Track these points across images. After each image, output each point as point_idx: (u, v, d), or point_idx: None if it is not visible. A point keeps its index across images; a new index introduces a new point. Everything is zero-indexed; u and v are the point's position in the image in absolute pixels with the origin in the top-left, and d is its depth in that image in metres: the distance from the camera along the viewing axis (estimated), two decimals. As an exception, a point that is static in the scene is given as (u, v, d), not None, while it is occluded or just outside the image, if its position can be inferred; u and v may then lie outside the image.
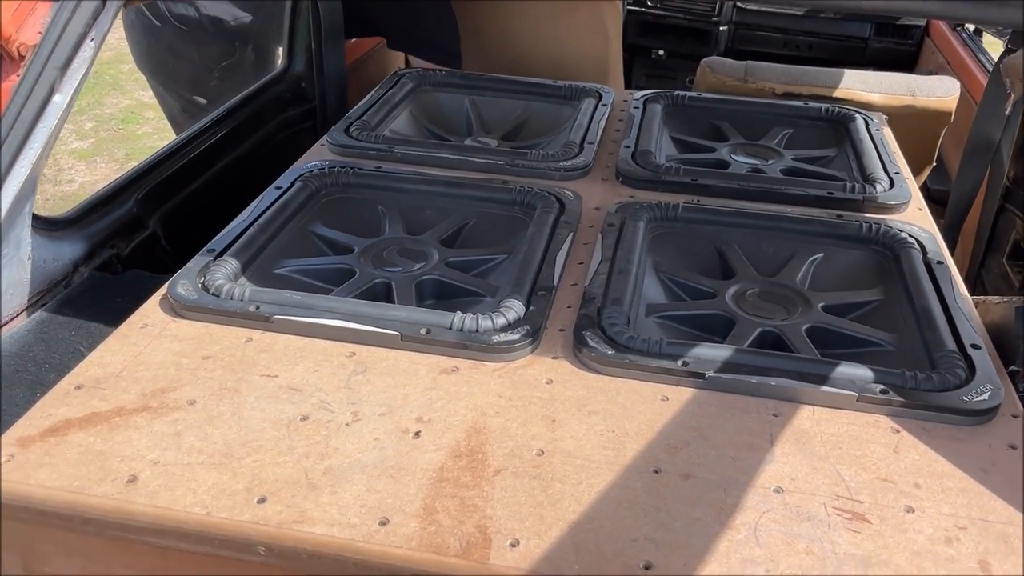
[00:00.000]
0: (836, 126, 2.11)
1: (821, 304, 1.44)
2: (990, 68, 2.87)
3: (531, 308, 1.33)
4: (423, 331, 1.27)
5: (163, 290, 1.36)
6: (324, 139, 1.93)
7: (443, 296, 1.49)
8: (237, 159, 2.25)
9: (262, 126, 2.38)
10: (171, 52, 3.33)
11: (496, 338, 1.26)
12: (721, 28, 3.67)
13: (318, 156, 1.86)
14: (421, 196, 1.71)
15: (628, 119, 2.10)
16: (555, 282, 1.41)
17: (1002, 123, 2.15)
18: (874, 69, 3.64)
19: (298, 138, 2.53)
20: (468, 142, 2.10)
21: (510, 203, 1.68)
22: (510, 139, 2.18)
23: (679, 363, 1.22)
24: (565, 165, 1.81)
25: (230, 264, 1.41)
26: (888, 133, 2.04)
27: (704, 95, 2.20)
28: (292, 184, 1.69)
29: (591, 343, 1.25)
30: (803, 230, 1.60)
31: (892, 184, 1.75)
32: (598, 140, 1.94)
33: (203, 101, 3.31)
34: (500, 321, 1.29)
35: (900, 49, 3.58)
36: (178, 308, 1.32)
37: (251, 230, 1.51)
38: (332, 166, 1.76)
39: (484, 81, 2.27)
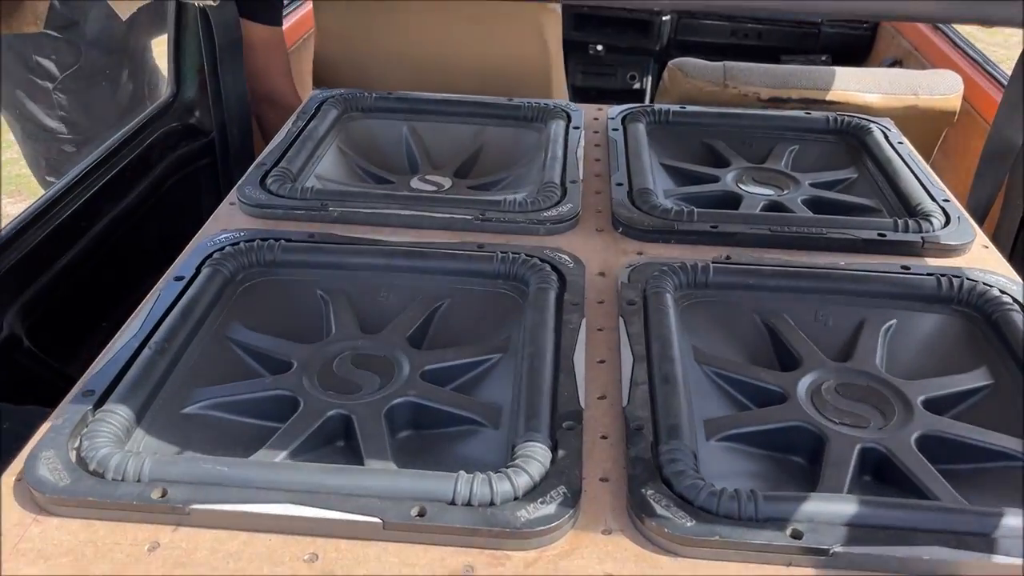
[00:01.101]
0: (847, 139, 1.80)
1: (921, 398, 1.11)
2: (973, 55, 2.63)
3: (560, 453, 0.95)
4: (414, 512, 0.87)
5: (16, 469, 0.93)
6: (234, 196, 1.49)
7: (423, 425, 1.09)
8: (119, 218, 1.79)
9: (148, 171, 1.91)
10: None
11: (523, 514, 0.87)
12: (664, 19, 3.33)
13: (227, 222, 1.43)
14: (374, 273, 1.30)
15: (608, 144, 1.73)
16: (582, 403, 1.03)
17: (1026, 124, 1.87)
18: (828, 57, 3.39)
19: (194, 181, 2.07)
20: (416, 183, 1.70)
21: (492, 276, 1.29)
22: (463, 175, 1.79)
23: (788, 532, 0.86)
24: (550, 216, 1.43)
25: (117, 415, 0.98)
26: (911, 146, 1.73)
27: (691, 109, 1.85)
28: (197, 271, 1.26)
29: (659, 510, 0.88)
30: (865, 290, 1.27)
31: (947, 218, 1.44)
32: (580, 177, 1.57)
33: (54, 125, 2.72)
34: (522, 481, 0.90)
35: (855, 35, 3.32)
36: (42, 501, 0.89)
37: (144, 352, 1.08)
38: (249, 238, 1.34)
39: (424, 103, 1.87)
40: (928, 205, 1.46)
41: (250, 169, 1.57)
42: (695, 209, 1.43)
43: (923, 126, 2.07)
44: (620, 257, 1.37)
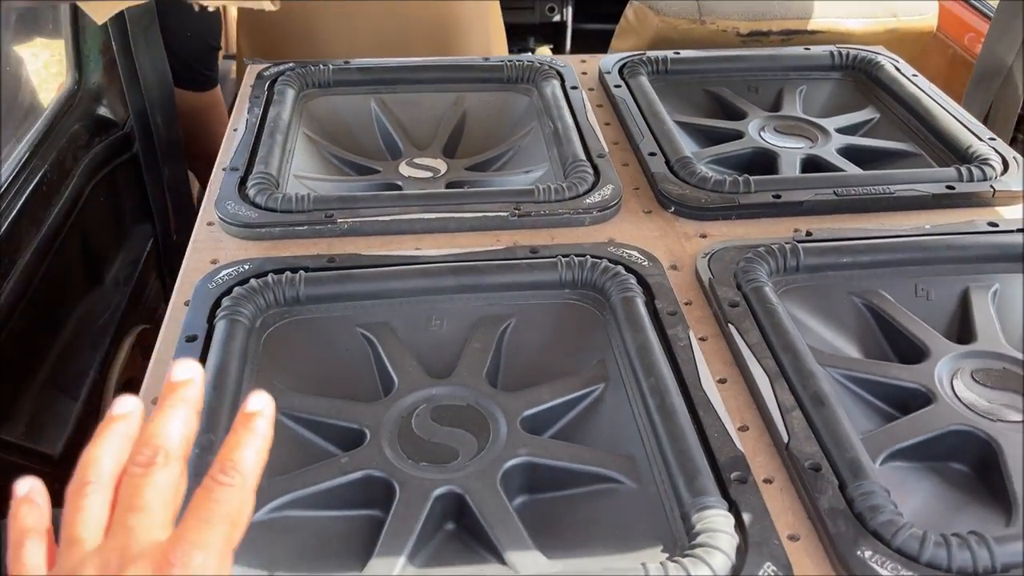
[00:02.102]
0: (855, 75, 1.68)
1: (1067, 378, 1.02)
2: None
3: (746, 518, 0.80)
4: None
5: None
6: (211, 213, 1.23)
7: (540, 488, 0.91)
8: (41, 247, 1.47)
9: (63, 184, 1.58)
10: None
11: (743, 610, 0.72)
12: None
13: (214, 251, 1.18)
14: (419, 298, 1.09)
15: (614, 104, 1.54)
16: (738, 445, 0.88)
17: (1017, 43, 1.81)
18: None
19: (112, 184, 1.76)
20: (406, 169, 1.47)
21: (558, 285, 1.11)
22: (453, 153, 1.57)
23: (1033, 585, 0.75)
24: (594, 202, 1.25)
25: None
26: (925, 79, 1.63)
27: (687, 55, 1.68)
28: (209, 325, 1.01)
29: (886, 574, 0.75)
30: (963, 256, 1.16)
31: (1004, 161, 1.35)
32: (606, 150, 1.38)
33: None
34: (719, 563, 0.75)
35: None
36: None
37: (193, 452, 0.84)
38: (258, 271, 1.10)
39: (390, 71, 1.62)
40: (980, 148, 1.37)
41: (220, 176, 1.30)
42: (750, 178, 1.28)
43: (903, 49, 1.98)
44: (684, 244, 1.21)
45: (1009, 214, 1.27)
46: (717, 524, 0.78)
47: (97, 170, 1.71)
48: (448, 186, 1.43)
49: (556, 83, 1.57)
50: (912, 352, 1.07)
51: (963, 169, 1.31)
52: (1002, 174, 1.32)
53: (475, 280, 1.09)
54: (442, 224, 1.21)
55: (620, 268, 1.10)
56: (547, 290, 1.10)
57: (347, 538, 0.86)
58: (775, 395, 0.93)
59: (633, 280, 1.08)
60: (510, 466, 0.90)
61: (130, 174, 1.80)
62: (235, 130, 1.45)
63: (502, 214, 1.22)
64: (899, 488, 0.89)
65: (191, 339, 0.99)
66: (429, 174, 1.47)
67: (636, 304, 1.04)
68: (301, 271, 1.08)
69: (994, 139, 1.40)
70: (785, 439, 0.88)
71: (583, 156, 1.34)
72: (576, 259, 1.11)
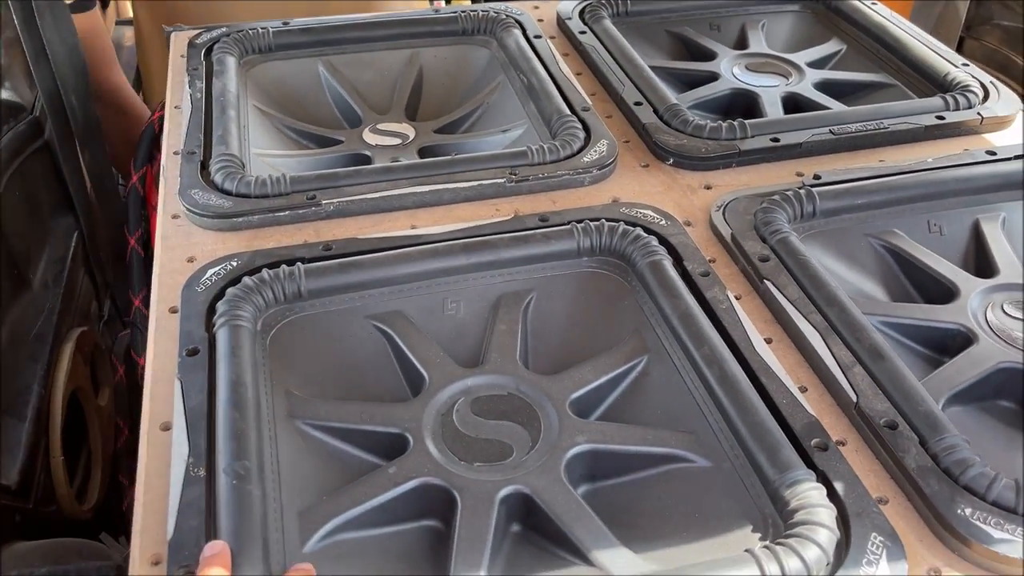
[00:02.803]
0: (813, 6, 1.65)
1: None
2: None
3: (839, 487, 0.77)
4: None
5: None
6: (175, 205, 1.10)
7: (602, 475, 0.86)
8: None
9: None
10: None
11: (863, 587, 0.69)
12: None
13: (187, 246, 1.05)
14: (430, 282, 1.00)
15: (587, 53, 1.46)
16: (810, 409, 0.84)
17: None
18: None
19: (26, 179, 1.57)
20: (370, 136, 1.36)
21: (575, 254, 1.04)
22: (415, 115, 1.47)
23: None
24: (591, 160, 1.17)
25: None
26: (884, 6, 1.61)
27: (644, -7, 1.61)
28: (210, 334, 0.90)
29: (994, 532, 0.73)
30: (970, 187, 1.15)
31: (983, 86, 1.34)
32: (589, 103, 1.31)
33: None
34: (824, 538, 0.71)
35: None
36: None
37: (225, 484, 0.74)
38: (249, 267, 0.98)
39: (334, 31, 1.49)
40: (958, 75, 1.36)
41: (175, 163, 1.17)
42: (745, 122, 1.23)
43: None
44: (691, 197, 1.16)
45: (999, 140, 1.27)
46: (813, 499, 0.74)
47: (8, 163, 1.52)
48: (420, 152, 1.33)
49: (517, 32, 1.48)
50: (938, 291, 1.05)
51: (948, 98, 1.30)
52: (984, 100, 1.31)
53: (489, 256, 1.01)
54: (436, 196, 1.12)
55: (639, 230, 1.04)
56: (566, 260, 1.03)
57: (409, 555, 0.79)
58: (831, 352, 0.89)
59: (655, 241, 1.02)
60: (572, 456, 0.84)
61: (45, 163, 1.61)
62: (177, 108, 1.31)
63: (498, 181, 1.14)
64: (964, 435, 0.88)
65: (192, 353, 0.88)
66: (397, 140, 1.36)
67: (665, 268, 0.99)
68: (298, 263, 0.98)
69: (967, 64, 1.40)
70: (853, 397, 0.85)
71: (567, 111, 1.26)
72: (592, 224, 1.04)
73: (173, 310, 0.96)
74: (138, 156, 1.70)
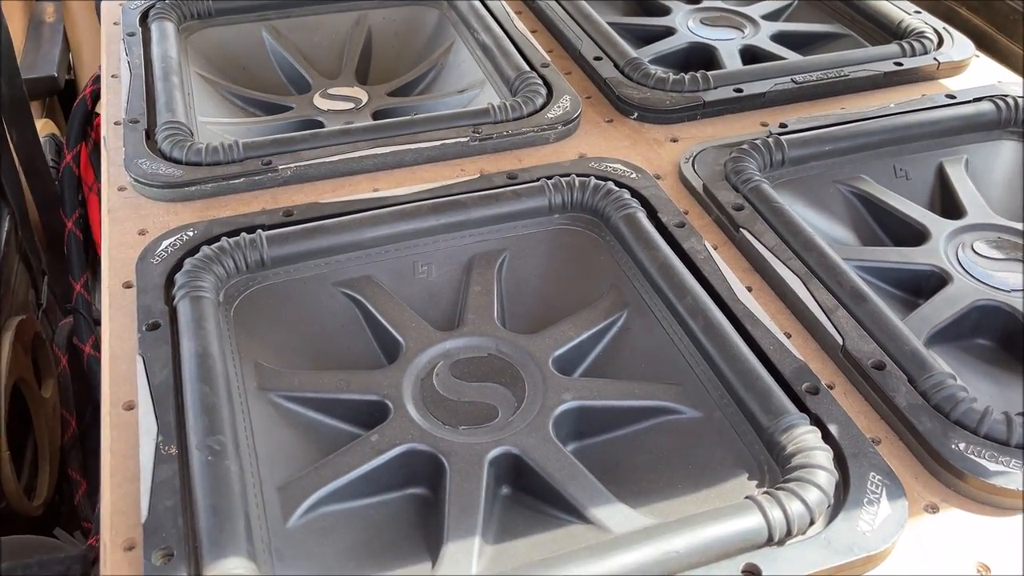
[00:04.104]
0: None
1: (1058, 240, 1.03)
2: None
3: (833, 429, 0.76)
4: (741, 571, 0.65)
5: None
6: (121, 176, 1.04)
7: (591, 432, 0.83)
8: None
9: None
10: None
11: (864, 527, 0.68)
12: None
13: (138, 219, 0.99)
14: (398, 245, 0.96)
15: (543, 10, 1.42)
16: (796, 353, 0.83)
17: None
18: None
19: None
20: (321, 101, 1.31)
21: (546, 211, 1.01)
22: (364, 79, 1.42)
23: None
24: (556, 116, 1.14)
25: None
26: (832, -42, 1.61)
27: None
28: (170, 307, 0.85)
29: (990, 465, 0.73)
30: (932, 131, 1.15)
31: (936, 32, 1.34)
32: (548, 59, 1.28)
33: None
34: (824, 480, 0.70)
35: None
36: None
37: (200, 460, 0.70)
38: (207, 237, 0.93)
39: (274, -8, 1.43)
40: (912, 22, 1.36)
41: (118, 133, 1.10)
42: (708, 74, 1.21)
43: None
44: (658, 150, 1.13)
45: (955, 85, 1.27)
46: (808, 442, 0.73)
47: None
48: (375, 116, 1.29)
49: (467, -10, 1.43)
50: (909, 234, 1.05)
51: (904, 45, 1.30)
52: (939, 46, 1.32)
53: (459, 216, 0.98)
54: (397, 158, 1.08)
55: (610, 184, 1.01)
56: (537, 217, 1.00)
57: (397, 524, 0.76)
58: (813, 296, 0.88)
59: (627, 195, 1.00)
60: (559, 414, 0.81)
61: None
62: (114, 77, 1.23)
63: (461, 140, 1.10)
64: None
65: (153, 327, 0.83)
66: (350, 105, 1.31)
67: (640, 220, 0.96)
68: (259, 230, 0.93)
69: (919, 12, 1.40)
70: (839, 340, 0.84)
71: (527, 68, 1.23)
72: (562, 180, 1.01)
73: (128, 285, 0.90)
74: (71, 134, 1.62)
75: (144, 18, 1.34)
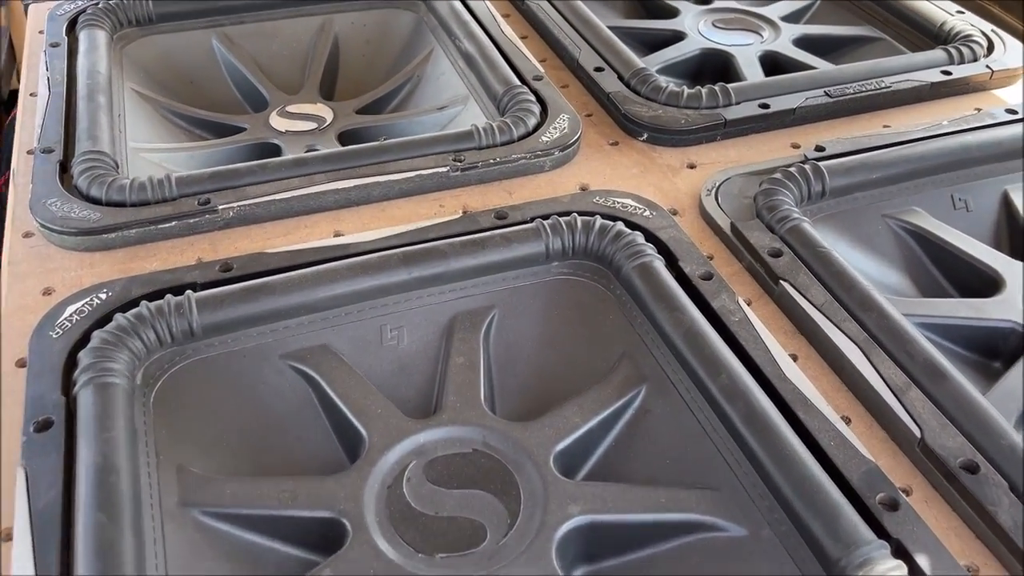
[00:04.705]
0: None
1: None
2: None
3: (920, 560, 0.58)
4: None
5: None
6: (27, 221, 0.86)
7: (603, 554, 0.65)
8: None
9: None
10: None
11: None
12: None
13: (43, 274, 0.81)
14: (362, 305, 0.79)
15: (534, 13, 1.24)
16: (865, 452, 0.65)
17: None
18: None
19: None
20: (278, 121, 1.13)
21: (543, 258, 0.83)
22: (330, 94, 1.24)
23: None
24: (551, 140, 0.97)
25: None
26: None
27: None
28: (70, 398, 0.67)
29: None
30: (993, 153, 0.97)
31: (987, 38, 1.17)
32: (542, 71, 1.10)
33: None
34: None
35: None
36: None
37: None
38: (122, 300, 0.75)
39: (226, -4, 1.24)
40: (956, 23, 1.19)
41: (27, 164, 0.92)
42: (728, 87, 1.04)
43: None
44: (673, 179, 0.96)
45: (1011, 96, 1.10)
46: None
47: None
48: (341, 138, 1.11)
49: (444, -8, 1.25)
50: (976, 280, 0.88)
51: (951, 50, 1.13)
52: (989, 51, 1.15)
53: (436, 268, 0.80)
54: (363, 193, 0.90)
55: (620, 224, 0.84)
56: (532, 266, 0.83)
57: None
58: (877, 371, 0.71)
59: (640, 238, 0.82)
60: (565, 534, 0.64)
61: None
62: (32, 95, 1.05)
63: (440, 170, 0.92)
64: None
65: (43, 427, 0.65)
66: (312, 125, 1.13)
67: (658, 271, 0.79)
68: (189, 291, 0.75)
69: (962, 12, 1.23)
70: (916, 432, 0.66)
71: (517, 81, 1.05)
72: (561, 220, 0.84)
73: (21, 363, 0.72)
74: (1, 157, 1.43)
75: (73, 26, 1.15)
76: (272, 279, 0.77)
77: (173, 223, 0.85)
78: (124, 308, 0.74)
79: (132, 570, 0.56)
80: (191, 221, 0.85)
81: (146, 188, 0.86)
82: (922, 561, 0.58)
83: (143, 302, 0.74)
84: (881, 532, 0.60)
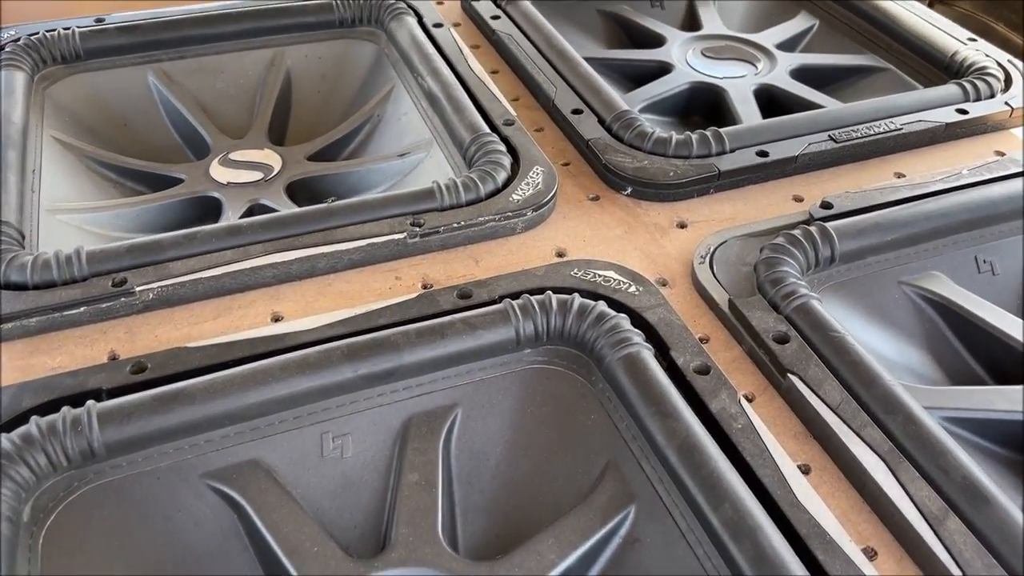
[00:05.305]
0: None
1: None
2: None
3: None
4: None
5: None
6: (-90, 307, 0.74)
7: None
8: None
9: None
10: None
11: None
12: None
13: (-71, 374, 0.69)
14: (299, 411, 0.67)
15: (504, 44, 1.13)
16: (899, 605, 0.54)
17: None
18: None
19: None
20: (219, 171, 1.02)
21: (512, 346, 0.71)
22: (279, 139, 1.12)
23: None
24: (521, 198, 0.85)
25: None
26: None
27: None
28: None
29: None
30: (1017, 207, 0.87)
31: (1004, 70, 1.07)
32: (513, 113, 0.98)
33: None
34: None
35: None
36: None
37: None
38: (13, 411, 0.63)
39: (165, 27, 1.11)
40: (969, 54, 1.08)
41: (-83, 236, 0.80)
42: (721, 132, 0.92)
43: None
44: (661, 241, 0.85)
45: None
46: None
47: None
48: (290, 190, 0.99)
49: (411, 21, 1.14)
50: (1008, 360, 0.77)
51: (965, 85, 1.02)
52: (1007, 86, 1.04)
53: (388, 363, 0.68)
54: (308, 267, 0.78)
55: (602, 305, 0.72)
56: (500, 356, 0.71)
57: None
58: (907, 493, 0.60)
59: (626, 322, 0.71)
60: None
61: None
62: (-65, 148, 0.93)
63: (396, 236, 0.80)
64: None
65: None
66: (258, 175, 1.01)
67: (647, 365, 0.67)
68: (90, 400, 0.63)
69: (975, 39, 1.13)
70: (955, 572, 0.55)
71: (485, 127, 0.94)
72: (533, 300, 0.72)
73: None
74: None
75: (-15, 65, 1.03)
76: (192, 383, 0.65)
77: (82, 309, 0.73)
78: (10, 425, 0.62)
79: None
80: (104, 306, 0.73)
81: (51, 267, 0.74)
82: None
83: (33, 418, 0.62)
84: None
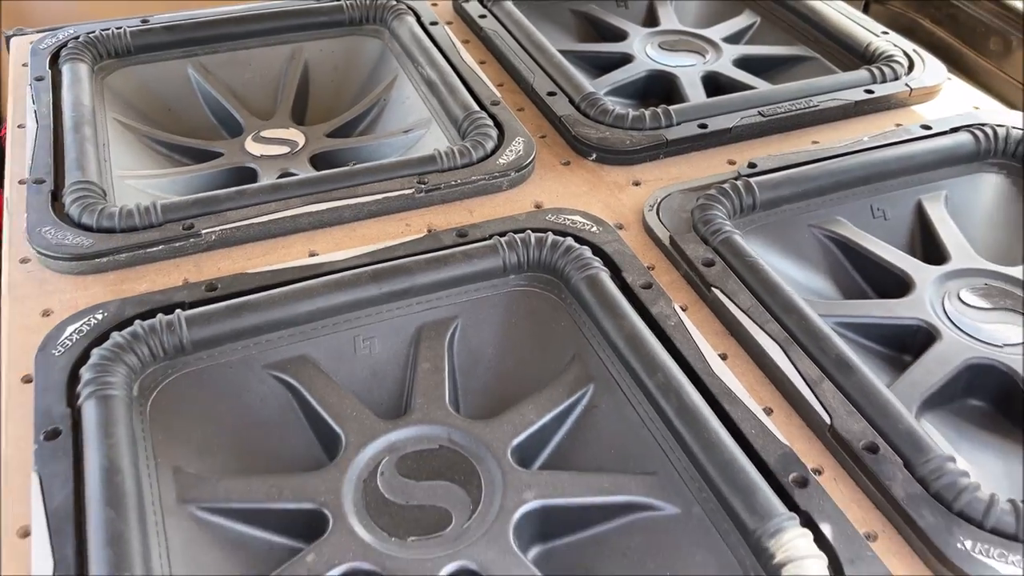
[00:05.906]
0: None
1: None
2: None
3: (825, 529, 0.68)
4: None
5: None
6: (23, 247, 0.93)
7: (556, 533, 0.74)
8: None
9: None
10: None
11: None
12: None
13: (40, 297, 0.88)
14: (336, 319, 0.87)
15: (490, 39, 1.33)
16: (781, 437, 0.75)
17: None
18: None
19: None
20: (253, 146, 1.21)
21: (500, 272, 0.92)
22: (304, 119, 1.32)
23: None
24: (508, 162, 1.05)
25: None
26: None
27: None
28: (74, 408, 0.75)
29: (1001, 566, 0.65)
30: (908, 166, 1.08)
31: (908, 57, 1.28)
32: (499, 95, 1.19)
33: None
34: (821, 596, 0.62)
35: None
36: None
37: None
38: (117, 320, 0.83)
39: (202, 27, 1.31)
40: (880, 44, 1.29)
41: (20, 194, 0.99)
42: (670, 108, 1.13)
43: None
44: (619, 195, 1.05)
45: (929, 112, 1.21)
46: (800, 549, 0.65)
47: None
48: (312, 161, 1.19)
49: (411, 20, 1.34)
50: (891, 283, 0.98)
51: (874, 70, 1.23)
52: (910, 70, 1.25)
53: (404, 283, 0.88)
54: (336, 215, 0.98)
55: (570, 240, 0.92)
56: (491, 279, 0.91)
57: (339, 661, 0.66)
58: (795, 366, 0.80)
59: (588, 252, 0.91)
60: (521, 516, 0.72)
61: None
62: (21, 127, 1.12)
63: (406, 192, 1.00)
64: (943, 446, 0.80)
65: (52, 435, 0.72)
66: (285, 149, 1.21)
67: (603, 282, 0.88)
68: (178, 310, 0.83)
69: (887, 32, 1.34)
70: (826, 419, 0.76)
71: (476, 106, 1.14)
72: (516, 237, 0.92)
73: (27, 379, 0.79)
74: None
75: (55, 59, 1.22)
76: (254, 297, 0.85)
77: (160, 247, 0.92)
78: (119, 327, 0.81)
79: (139, 558, 0.64)
80: (176, 245, 0.93)
81: (134, 215, 0.94)
82: (826, 529, 0.67)
83: (136, 321, 0.81)
84: (793, 506, 0.69)
